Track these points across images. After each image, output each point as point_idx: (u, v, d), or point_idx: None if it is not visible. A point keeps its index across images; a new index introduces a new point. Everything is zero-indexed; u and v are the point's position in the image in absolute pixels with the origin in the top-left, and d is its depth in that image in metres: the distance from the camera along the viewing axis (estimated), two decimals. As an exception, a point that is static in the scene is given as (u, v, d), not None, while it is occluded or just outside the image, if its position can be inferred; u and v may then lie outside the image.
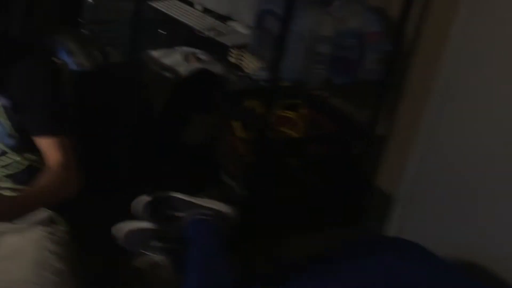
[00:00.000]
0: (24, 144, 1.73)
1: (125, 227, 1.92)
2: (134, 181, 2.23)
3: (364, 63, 2.40)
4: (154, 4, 3.15)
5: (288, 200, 2.55)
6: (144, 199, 1.95)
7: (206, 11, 3.12)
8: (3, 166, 1.75)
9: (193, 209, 1.90)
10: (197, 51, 3.16)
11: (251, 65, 2.86)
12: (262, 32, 2.47)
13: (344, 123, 2.71)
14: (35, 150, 1.75)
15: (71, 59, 2.63)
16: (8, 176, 1.77)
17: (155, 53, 3.09)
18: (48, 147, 1.71)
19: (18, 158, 1.75)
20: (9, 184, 1.78)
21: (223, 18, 3.05)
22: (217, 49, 3.03)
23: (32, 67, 1.69)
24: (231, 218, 1.94)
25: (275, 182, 2.50)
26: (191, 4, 3.17)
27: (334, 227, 2.65)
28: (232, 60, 2.98)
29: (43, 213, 1.72)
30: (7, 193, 1.76)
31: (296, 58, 2.31)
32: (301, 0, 2.24)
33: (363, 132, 2.67)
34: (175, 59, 3.08)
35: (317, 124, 2.68)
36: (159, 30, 3.51)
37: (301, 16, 2.25)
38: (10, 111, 1.69)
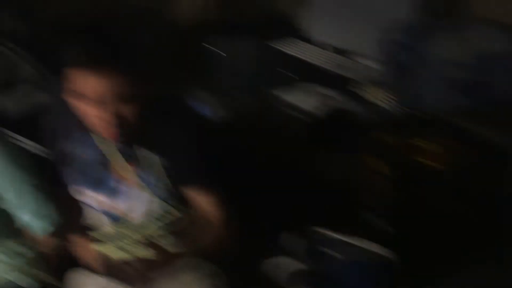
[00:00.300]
0: (181, 198, 1.80)
1: (276, 264, 1.93)
2: (280, 218, 2.25)
3: (506, 87, 2.31)
4: (278, 46, 3.21)
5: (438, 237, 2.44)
6: (294, 236, 1.96)
7: (331, 47, 3.14)
8: (163, 221, 1.82)
9: (346, 248, 1.88)
10: (324, 88, 3.18)
11: (381, 97, 2.84)
12: (391, 63, 2.45)
13: (489, 152, 2.58)
14: (187, 201, 1.81)
15: (207, 109, 2.73)
16: (163, 226, 1.84)
17: (282, 94, 3.14)
18: (204, 200, 1.78)
19: (176, 213, 1.82)
20: (163, 234, 1.84)
21: (349, 53, 3.06)
22: (345, 84, 3.03)
23: (181, 123, 1.77)
24: (386, 260, 1.90)
25: (422, 217, 2.42)
26: (314, 43, 3.21)
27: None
28: (362, 94, 2.96)
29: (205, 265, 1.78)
30: (169, 247, 1.83)
31: (429, 86, 2.26)
32: (432, 27, 2.20)
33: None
34: (304, 99, 3.11)
35: (458, 154, 2.58)
36: (284, 71, 3.58)
37: (433, 43, 2.21)
38: (167, 168, 1.77)
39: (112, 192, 1.79)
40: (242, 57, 3.46)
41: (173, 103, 1.86)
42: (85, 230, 1.89)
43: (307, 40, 3.24)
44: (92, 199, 1.81)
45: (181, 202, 1.81)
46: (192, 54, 3.58)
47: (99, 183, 1.79)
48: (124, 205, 1.79)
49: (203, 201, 1.78)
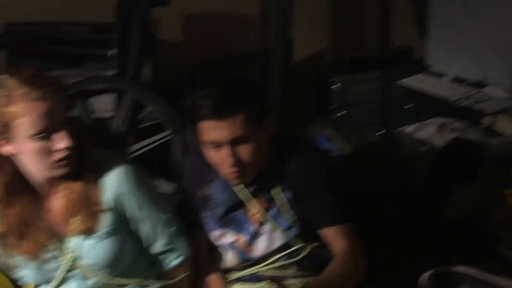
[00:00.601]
0: (305, 232, 1.80)
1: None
2: (405, 256, 2.20)
3: None
4: (401, 81, 3.18)
5: None
6: (426, 274, 1.90)
7: (457, 80, 3.06)
8: (287, 254, 1.83)
9: (485, 287, 1.80)
10: (449, 120, 3.10)
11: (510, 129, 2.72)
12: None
13: None
14: (316, 237, 1.82)
15: (331, 145, 2.73)
16: (292, 263, 1.85)
17: (408, 129, 3.09)
18: (333, 235, 1.77)
19: (300, 245, 1.82)
20: (292, 271, 1.85)
21: (476, 85, 2.97)
22: (470, 116, 2.94)
23: (309, 161, 1.78)
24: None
25: None
26: (441, 76, 3.14)
27: None
28: (489, 126, 2.86)
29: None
30: (292, 280, 1.84)
31: None
32: None
33: None
34: (429, 132, 3.05)
35: None
36: (406, 106, 3.53)
37: None
38: (293, 203, 1.79)
39: (247, 232, 1.82)
40: (366, 94, 3.46)
41: (301, 142, 1.88)
42: (218, 271, 1.94)
43: (431, 72, 3.18)
44: (227, 239, 1.84)
45: (304, 233, 1.81)
46: (318, 93, 3.63)
47: (234, 224, 1.83)
48: (257, 245, 1.82)
49: (332, 235, 1.78)
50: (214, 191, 1.85)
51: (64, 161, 1.58)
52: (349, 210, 1.79)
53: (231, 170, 1.70)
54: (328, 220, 1.77)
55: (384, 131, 3.20)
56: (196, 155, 1.87)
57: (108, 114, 2.78)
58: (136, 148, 2.80)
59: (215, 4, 3.51)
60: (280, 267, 1.84)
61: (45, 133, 1.54)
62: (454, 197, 2.56)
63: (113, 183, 1.66)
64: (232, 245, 1.84)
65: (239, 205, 1.82)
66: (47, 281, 1.71)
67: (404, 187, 2.48)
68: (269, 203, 1.79)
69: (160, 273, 1.83)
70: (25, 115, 1.51)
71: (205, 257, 1.92)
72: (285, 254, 1.82)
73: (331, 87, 3.45)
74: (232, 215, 1.83)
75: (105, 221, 1.66)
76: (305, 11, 3.56)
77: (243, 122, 1.65)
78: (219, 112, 1.63)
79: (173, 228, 1.77)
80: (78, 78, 2.76)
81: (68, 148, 1.57)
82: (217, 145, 1.68)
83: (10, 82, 1.52)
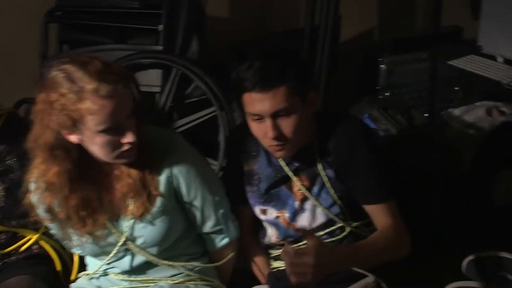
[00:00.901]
0: (347, 210, 1.80)
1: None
2: (448, 240, 2.18)
3: None
4: (451, 62, 3.12)
5: None
6: (469, 258, 1.89)
7: (508, 62, 2.99)
8: (328, 233, 1.83)
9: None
10: (499, 104, 3.03)
11: None
12: None
13: None
14: (358, 217, 1.82)
15: (377, 126, 2.71)
16: (332, 242, 1.84)
17: (456, 111, 3.04)
18: (378, 212, 1.76)
19: (341, 225, 1.82)
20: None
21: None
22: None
23: (354, 136, 1.76)
24: None
25: None
26: (492, 58, 3.06)
27: None
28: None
29: (369, 278, 1.75)
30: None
31: None
32: None
33: None
34: (477, 115, 2.99)
35: None
36: (455, 88, 3.47)
37: None
38: (335, 180, 1.78)
39: (289, 208, 1.82)
40: (414, 74, 3.42)
41: (345, 117, 1.85)
42: (262, 248, 1.96)
43: (482, 54, 3.11)
44: (270, 215, 1.86)
45: (345, 212, 1.81)
46: (364, 72, 3.60)
47: (278, 200, 1.84)
48: (299, 221, 1.82)
49: (377, 212, 1.76)
50: (258, 166, 1.85)
51: (130, 152, 1.61)
52: (393, 188, 1.77)
53: (273, 143, 1.69)
54: (373, 197, 1.75)
55: (431, 113, 3.16)
56: (242, 129, 1.87)
57: (155, 89, 2.81)
58: (181, 124, 2.83)
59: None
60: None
61: (112, 129, 1.54)
62: (501, 182, 2.53)
63: (167, 165, 1.68)
64: (274, 221, 1.85)
65: (283, 180, 1.82)
66: (99, 255, 1.77)
67: (451, 170, 2.46)
68: (312, 180, 1.79)
69: (205, 250, 1.87)
70: (94, 112, 1.50)
71: (248, 233, 1.94)
72: (326, 233, 1.82)
73: (378, 66, 3.41)
74: (275, 191, 1.84)
75: (158, 202, 1.68)
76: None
77: (286, 95, 1.63)
78: (262, 84, 1.62)
79: (222, 210, 1.78)
80: (127, 52, 2.80)
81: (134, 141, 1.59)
82: (260, 117, 1.67)
83: (80, 76, 1.50)
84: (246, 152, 1.86)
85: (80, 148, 1.59)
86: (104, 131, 1.54)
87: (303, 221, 1.82)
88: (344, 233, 1.82)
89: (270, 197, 1.84)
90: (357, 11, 3.66)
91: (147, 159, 1.65)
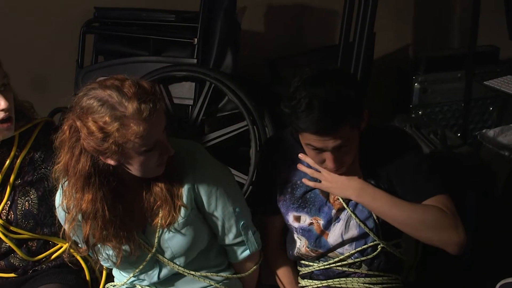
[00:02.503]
0: (381, 227, 1.79)
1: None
2: (481, 262, 2.15)
3: None
4: (487, 82, 3.08)
5: None
6: (503, 282, 1.85)
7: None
8: (359, 251, 1.82)
9: None
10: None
11: None
12: None
13: None
14: (390, 235, 1.80)
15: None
16: (363, 261, 1.83)
17: (490, 132, 2.99)
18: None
19: (373, 244, 1.81)
20: (363, 270, 1.84)
21: None
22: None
23: (398, 144, 1.77)
24: None
25: None
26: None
27: None
28: None
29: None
30: (360, 279, 1.83)
31: None
32: None
33: None
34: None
35: None
36: (490, 109, 3.43)
37: None
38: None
39: (324, 215, 1.82)
40: (448, 93, 3.39)
41: (384, 129, 1.86)
42: (290, 262, 1.95)
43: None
44: (303, 222, 1.85)
45: (386, 235, 1.79)
46: (398, 89, 3.58)
47: (312, 206, 1.83)
48: (332, 230, 1.82)
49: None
50: (293, 174, 1.84)
51: (162, 165, 1.62)
52: (443, 182, 1.75)
53: (330, 170, 1.72)
54: (424, 192, 1.73)
55: (465, 133, 3.12)
56: (277, 137, 1.88)
57: (188, 102, 2.83)
58: (213, 137, 2.84)
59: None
60: (351, 264, 1.84)
61: (155, 147, 1.56)
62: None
63: (189, 176, 1.68)
64: (307, 227, 1.84)
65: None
66: (127, 268, 1.78)
67: (484, 192, 2.42)
68: None
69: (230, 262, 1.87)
70: (139, 135, 1.50)
71: (275, 245, 1.94)
72: (358, 251, 1.81)
73: (412, 84, 3.38)
74: (310, 196, 1.83)
75: (182, 212, 1.69)
76: (389, 6, 3.51)
77: (347, 132, 1.64)
78: (322, 132, 1.62)
79: (243, 222, 1.78)
80: (161, 64, 2.82)
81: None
82: (319, 151, 1.68)
83: (119, 101, 1.50)
84: (281, 160, 1.86)
85: (115, 169, 1.60)
86: (148, 151, 1.55)
87: (336, 230, 1.81)
88: (375, 253, 1.81)
89: (304, 202, 1.84)
90: (391, 28, 3.66)
91: (172, 170, 1.66)
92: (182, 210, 1.68)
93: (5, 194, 1.84)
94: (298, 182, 1.84)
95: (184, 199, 1.68)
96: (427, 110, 3.39)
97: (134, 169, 1.59)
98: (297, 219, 1.85)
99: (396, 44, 3.76)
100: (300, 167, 1.79)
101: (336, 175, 1.74)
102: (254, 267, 1.85)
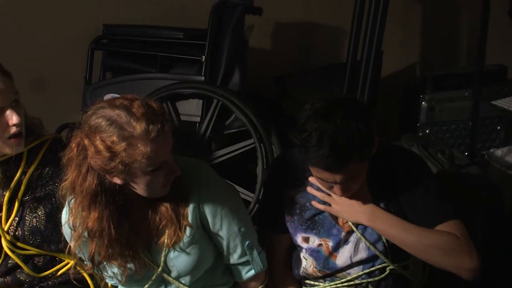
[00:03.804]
0: (390, 250, 1.78)
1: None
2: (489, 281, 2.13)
3: None
4: (495, 102, 3.08)
5: None
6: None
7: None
8: (366, 274, 1.81)
9: None
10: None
11: None
12: None
13: None
14: (399, 257, 1.80)
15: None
16: (370, 283, 1.83)
17: (498, 151, 2.98)
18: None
19: (381, 266, 1.81)
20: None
21: None
22: None
23: (407, 166, 1.76)
24: None
25: None
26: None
27: None
28: None
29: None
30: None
31: None
32: None
33: None
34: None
35: None
36: (498, 127, 3.42)
37: None
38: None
39: (333, 237, 1.81)
40: (455, 112, 3.38)
41: (390, 150, 1.85)
42: (296, 281, 1.94)
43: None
44: (311, 243, 1.84)
45: (395, 257, 1.79)
46: (404, 108, 3.57)
47: (321, 228, 1.83)
48: (341, 252, 1.81)
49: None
50: (302, 195, 1.84)
51: (168, 186, 1.62)
52: (454, 207, 1.75)
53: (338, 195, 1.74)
54: (436, 218, 1.73)
55: (472, 152, 3.11)
56: (287, 156, 1.88)
57: (195, 119, 2.83)
58: (220, 154, 2.83)
59: (305, 14, 3.53)
60: (358, 285, 1.83)
61: (161, 167, 1.56)
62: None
63: (195, 195, 1.68)
64: (316, 249, 1.84)
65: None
66: (133, 286, 1.77)
67: (492, 212, 2.41)
68: None
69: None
70: (147, 155, 1.51)
71: (281, 264, 1.93)
72: (366, 273, 1.81)
73: (419, 103, 3.38)
74: (319, 218, 1.83)
75: (187, 231, 1.69)
76: (397, 25, 3.52)
77: (357, 165, 1.64)
78: (332, 169, 1.63)
79: (248, 242, 1.77)
80: (168, 81, 2.83)
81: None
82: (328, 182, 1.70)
83: (127, 121, 1.50)
84: (290, 180, 1.86)
85: (121, 188, 1.60)
86: (154, 171, 1.55)
87: (345, 252, 1.81)
88: (383, 275, 1.81)
89: (312, 223, 1.83)
90: (399, 46, 3.66)
91: (178, 189, 1.66)
92: (188, 229, 1.68)
93: (13, 210, 1.84)
94: (307, 204, 1.83)
95: (190, 218, 1.67)
96: (434, 129, 3.38)
97: (140, 188, 1.59)
98: (306, 240, 1.85)
99: (403, 62, 3.76)
100: (310, 190, 1.80)
101: (346, 199, 1.75)
102: (260, 286, 1.84)
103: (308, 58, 3.59)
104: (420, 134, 3.35)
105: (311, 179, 1.78)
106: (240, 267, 1.80)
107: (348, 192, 1.72)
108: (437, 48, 3.83)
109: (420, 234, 1.69)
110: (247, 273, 1.80)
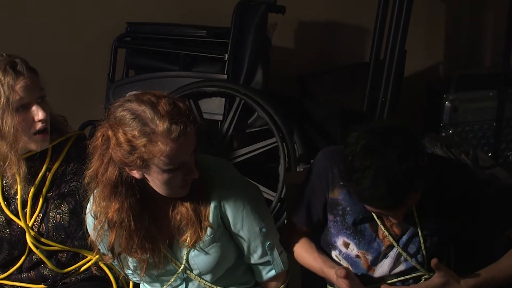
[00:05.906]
0: (427, 261, 1.74)
1: None
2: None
3: None
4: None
5: None
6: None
7: None
8: (401, 281, 1.78)
9: None
10: None
11: None
12: None
13: None
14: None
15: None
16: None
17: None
18: None
19: (417, 275, 1.77)
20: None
21: None
22: None
23: (454, 180, 1.71)
24: None
25: None
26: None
27: None
28: None
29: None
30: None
31: None
32: None
33: None
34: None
35: None
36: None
37: None
38: (431, 230, 1.74)
39: (372, 251, 1.78)
40: (480, 112, 3.35)
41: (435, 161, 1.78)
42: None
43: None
44: (351, 251, 1.80)
45: (427, 262, 1.75)
46: (428, 108, 3.55)
47: (362, 239, 1.78)
48: (379, 266, 1.78)
49: None
50: (343, 197, 1.78)
51: (186, 187, 1.62)
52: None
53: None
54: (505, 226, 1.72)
55: (496, 153, 3.08)
56: (332, 155, 1.80)
57: (218, 117, 2.84)
58: (242, 153, 2.84)
59: (328, 12, 3.52)
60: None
61: (179, 168, 1.56)
62: None
63: (217, 194, 1.68)
64: (354, 259, 1.80)
65: (368, 219, 1.77)
66: (155, 282, 1.78)
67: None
68: (404, 229, 1.75)
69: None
70: (165, 154, 1.50)
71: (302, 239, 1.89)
72: (400, 281, 1.77)
73: (443, 103, 3.35)
74: (360, 227, 1.78)
75: (208, 230, 1.68)
76: (421, 23, 3.49)
77: (413, 196, 1.59)
78: (389, 207, 1.59)
79: (269, 242, 1.76)
80: (191, 79, 2.84)
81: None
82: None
83: (151, 118, 1.50)
84: (334, 179, 1.79)
85: (141, 182, 1.60)
86: (172, 170, 1.55)
87: (384, 267, 1.77)
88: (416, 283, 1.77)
89: (355, 232, 1.78)
90: (422, 45, 3.63)
91: (199, 188, 1.66)
92: (209, 228, 1.68)
93: (37, 206, 1.86)
94: (348, 208, 1.77)
95: (211, 218, 1.67)
96: (458, 129, 3.35)
97: (156, 186, 1.59)
98: (346, 245, 1.80)
99: (427, 62, 3.74)
100: None
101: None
102: (281, 286, 1.83)
103: (331, 57, 3.58)
104: (443, 134, 3.32)
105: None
106: (260, 267, 1.80)
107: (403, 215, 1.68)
108: (461, 47, 3.79)
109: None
110: (268, 273, 1.80)
